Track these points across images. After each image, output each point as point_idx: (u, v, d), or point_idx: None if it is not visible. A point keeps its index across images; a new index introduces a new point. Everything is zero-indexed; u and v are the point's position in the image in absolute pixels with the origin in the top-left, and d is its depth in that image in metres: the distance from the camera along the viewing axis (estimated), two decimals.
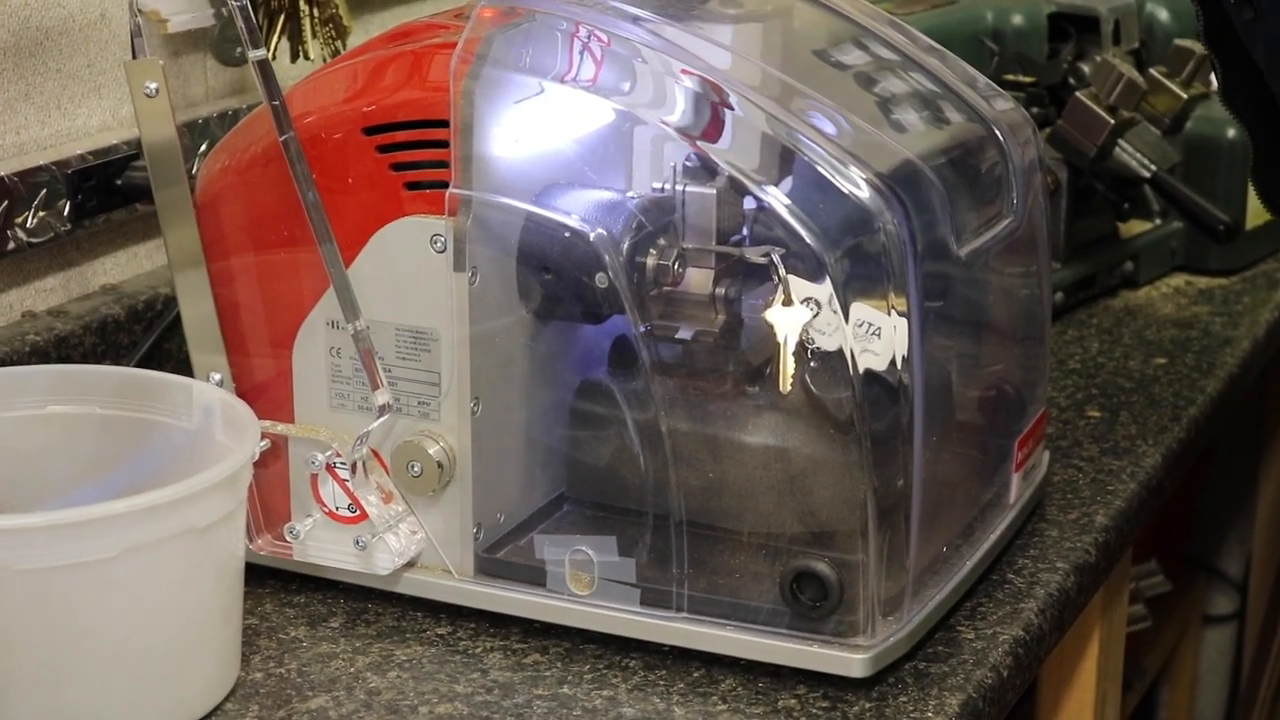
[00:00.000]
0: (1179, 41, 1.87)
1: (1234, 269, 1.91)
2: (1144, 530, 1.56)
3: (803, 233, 1.11)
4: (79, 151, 1.45)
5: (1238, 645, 2.55)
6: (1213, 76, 1.87)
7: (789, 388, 1.14)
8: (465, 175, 1.17)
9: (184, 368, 1.26)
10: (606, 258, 1.15)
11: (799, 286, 1.12)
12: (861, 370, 1.11)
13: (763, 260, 1.13)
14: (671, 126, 1.17)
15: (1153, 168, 1.76)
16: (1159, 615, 2.29)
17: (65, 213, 1.44)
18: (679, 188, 1.16)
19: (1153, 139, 1.78)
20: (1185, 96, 1.83)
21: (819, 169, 1.14)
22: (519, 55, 1.19)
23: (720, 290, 1.17)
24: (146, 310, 1.48)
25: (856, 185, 1.13)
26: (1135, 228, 1.89)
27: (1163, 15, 1.96)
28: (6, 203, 1.39)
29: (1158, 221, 1.90)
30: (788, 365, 1.14)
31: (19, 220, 1.40)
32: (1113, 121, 1.74)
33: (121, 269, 1.53)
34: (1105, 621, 1.55)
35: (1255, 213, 1.90)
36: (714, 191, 1.15)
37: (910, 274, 1.12)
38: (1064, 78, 1.84)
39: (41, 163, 1.42)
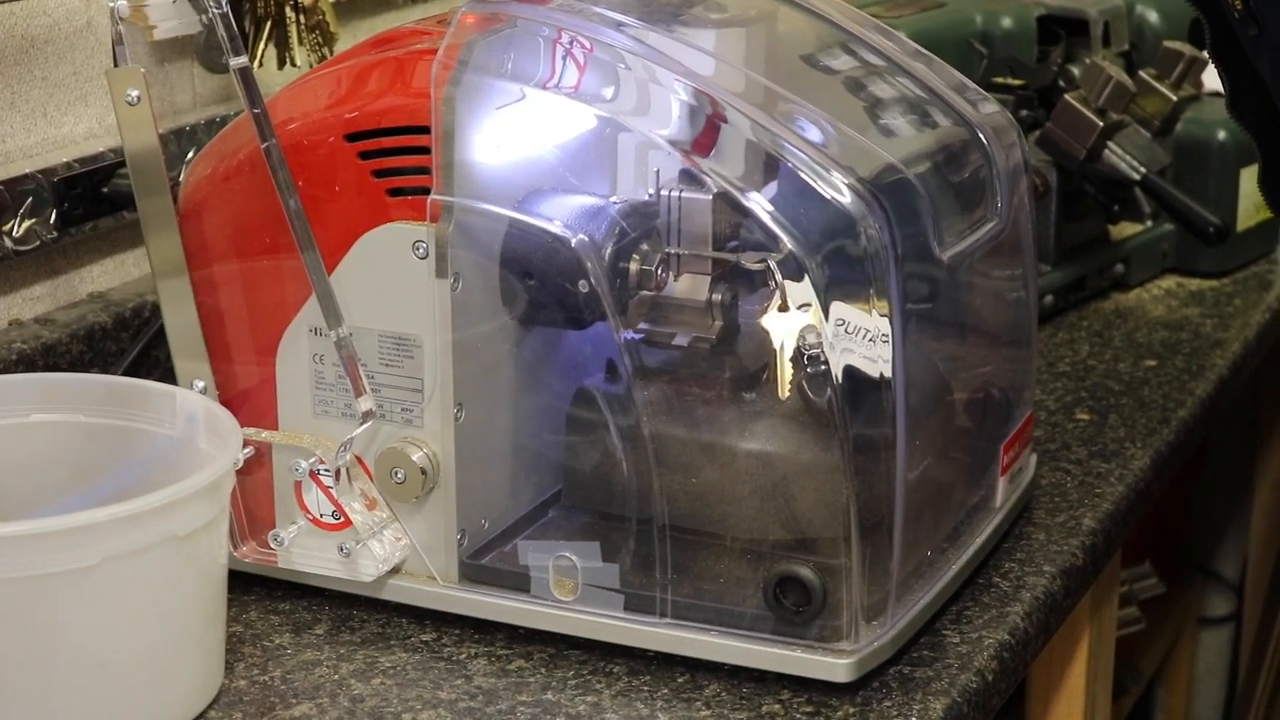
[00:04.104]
0: (1168, 43, 1.87)
1: (1225, 271, 1.91)
2: (1138, 532, 1.56)
3: (784, 238, 1.11)
4: (65, 159, 1.45)
5: (1234, 647, 2.55)
6: (1203, 79, 1.89)
7: (787, 393, 1.14)
8: (447, 181, 1.17)
9: (172, 375, 1.26)
10: (588, 263, 1.15)
11: (790, 292, 1.12)
12: (843, 374, 1.11)
13: (759, 266, 1.14)
14: (655, 133, 1.17)
15: (1142, 170, 1.75)
16: (1154, 617, 2.29)
17: (52, 220, 1.44)
18: (673, 194, 1.16)
19: (1142, 141, 1.78)
20: (1175, 98, 1.83)
21: (802, 174, 1.14)
22: (501, 61, 1.19)
23: (716, 296, 1.17)
24: (134, 318, 1.48)
25: (839, 190, 1.13)
26: (1126, 230, 1.89)
27: (1152, 17, 1.96)
28: None
29: (1148, 224, 1.90)
30: (785, 371, 1.14)
31: (5, 228, 1.40)
32: (1102, 124, 1.73)
33: (109, 276, 1.53)
34: (1094, 624, 1.55)
35: (1246, 214, 1.91)
36: (710, 197, 1.15)
37: (892, 278, 1.12)
38: (1053, 80, 1.84)
39: (28, 170, 1.42)
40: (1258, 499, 2.43)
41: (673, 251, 1.17)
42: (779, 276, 1.12)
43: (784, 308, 1.12)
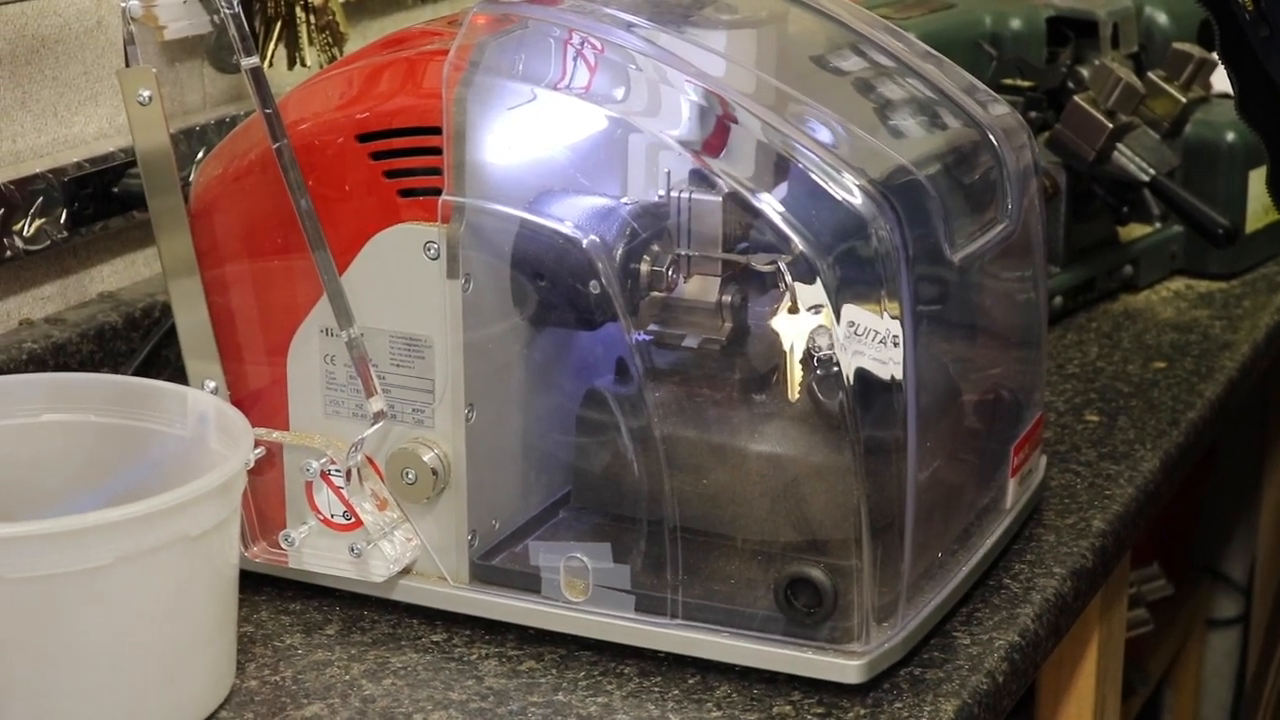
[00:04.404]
0: (1178, 45, 1.87)
1: (1234, 272, 1.90)
2: (1147, 534, 1.55)
3: (795, 239, 1.11)
4: (76, 159, 1.45)
5: (1242, 648, 2.54)
6: (1212, 80, 1.89)
7: (797, 395, 1.14)
8: (458, 182, 1.17)
9: (182, 375, 1.27)
10: (600, 264, 1.15)
11: (801, 294, 1.12)
12: (854, 377, 1.11)
13: (769, 268, 1.13)
14: (666, 134, 1.17)
15: (1151, 171, 1.75)
16: (1163, 619, 2.29)
17: (62, 220, 1.44)
18: (684, 195, 1.16)
19: (1151, 143, 1.78)
20: (1184, 100, 1.83)
21: (812, 176, 1.14)
22: (512, 62, 1.19)
23: (726, 298, 1.17)
24: (144, 317, 1.48)
25: (850, 192, 1.13)
26: (1135, 231, 1.89)
27: (1161, 19, 1.96)
28: (3, 211, 1.38)
29: (1157, 225, 1.90)
30: (794, 373, 1.14)
31: (16, 228, 1.40)
32: (1111, 125, 1.73)
33: (119, 276, 1.53)
34: (1104, 626, 1.55)
35: (1255, 216, 1.90)
36: (720, 199, 1.15)
37: (903, 279, 1.12)
38: (1063, 82, 1.84)
39: (38, 170, 1.42)
40: (1266, 501, 2.43)
41: (683, 253, 1.17)
42: (789, 278, 1.12)
43: (794, 309, 1.12)
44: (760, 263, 1.15)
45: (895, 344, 1.12)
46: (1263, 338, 1.76)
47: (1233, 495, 2.47)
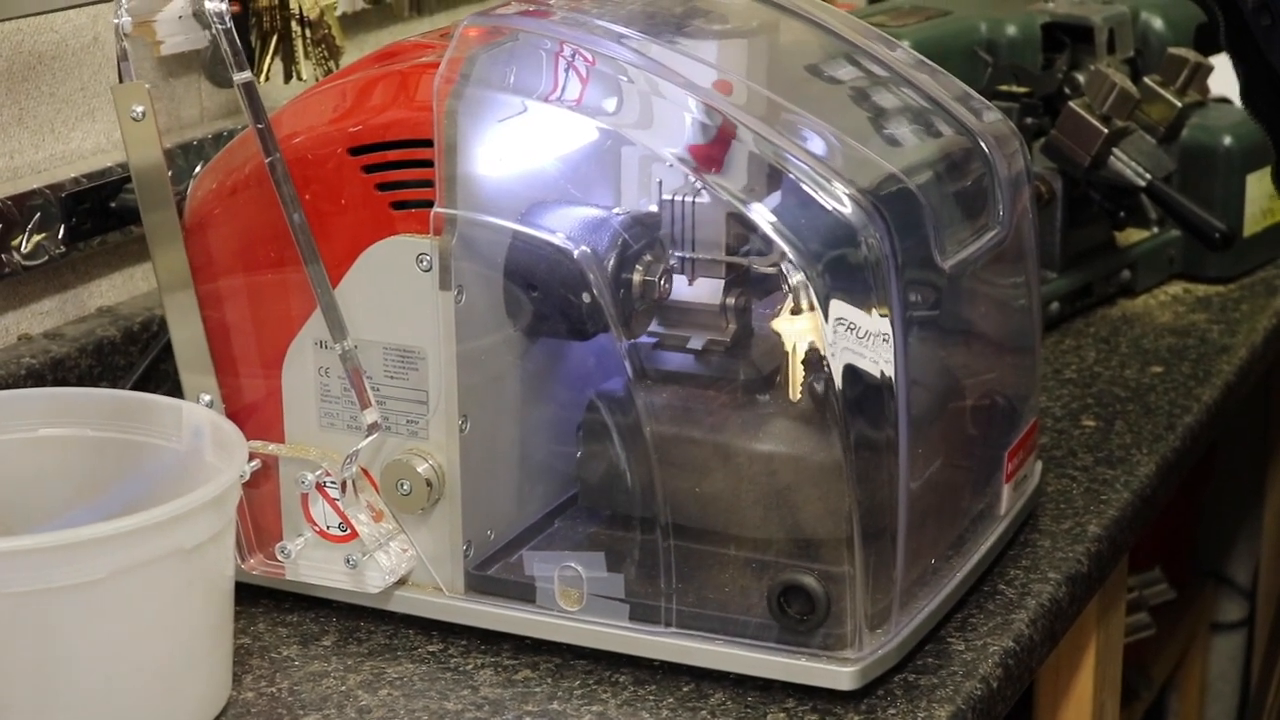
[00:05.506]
0: (1173, 50, 1.87)
1: (1231, 276, 1.91)
2: (1149, 538, 1.55)
3: (786, 248, 1.12)
4: (73, 174, 1.46)
5: (1247, 652, 2.54)
6: (1208, 84, 1.89)
7: (798, 396, 1.14)
8: (450, 194, 1.17)
9: (180, 389, 1.27)
10: (591, 275, 1.16)
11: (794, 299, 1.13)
12: (844, 381, 1.12)
13: (772, 270, 1.14)
14: (657, 146, 1.17)
15: (1148, 176, 1.76)
16: (1166, 623, 2.29)
17: (60, 235, 1.44)
18: (685, 199, 1.17)
19: (1148, 147, 1.78)
20: (1180, 105, 1.83)
21: (803, 186, 1.14)
22: (503, 74, 1.19)
23: (730, 300, 1.18)
24: (143, 332, 1.49)
25: (840, 201, 1.13)
26: (1132, 236, 1.89)
27: (1157, 24, 1.96)
28: (1, 226, 1.39)
29: (1155, 230, 1.90)
30: (797, 374, 1.14)
31: (14, 244, 1.41)
32: (1107, 131, 1.74)
33: (117, 291, 1.54)
34: (1102, 631, 1.55)
35: (1252, 220, 1.91)
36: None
37: (892, 286, 1.13)
38: (1058, 88, 1.84)
39: (36, 186, 1.43)
40: (1269, 504, 2.43)
41: (686, 256, 1.17)
42: (792, 280, 1.12)
43: (796, 310, 1.13)
44: (763, 265, 1.15)
45: (886, 350, 1.12)
46: (1260, 341, 1.77)
47: (1235, 499, 2.47)
